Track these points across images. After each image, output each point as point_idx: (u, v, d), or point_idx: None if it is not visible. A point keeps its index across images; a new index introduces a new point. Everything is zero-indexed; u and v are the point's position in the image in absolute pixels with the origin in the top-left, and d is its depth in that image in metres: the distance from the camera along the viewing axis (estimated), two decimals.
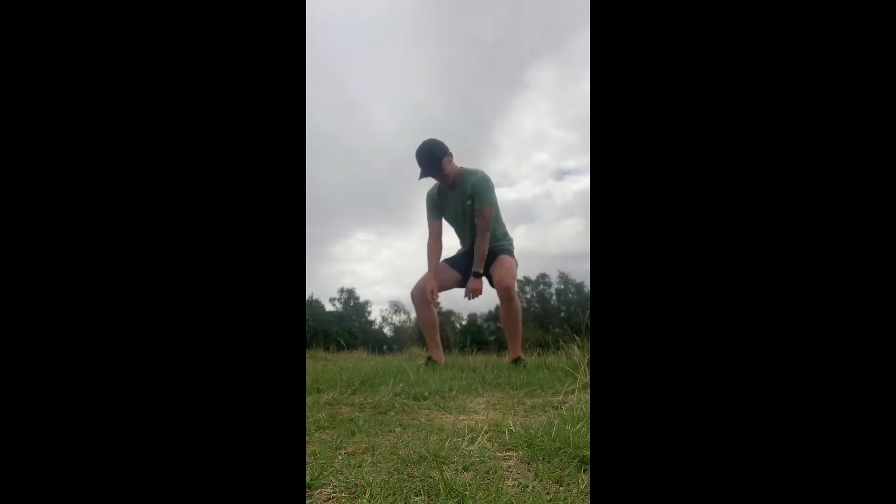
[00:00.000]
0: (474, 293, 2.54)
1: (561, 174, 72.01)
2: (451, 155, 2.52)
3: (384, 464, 0.73)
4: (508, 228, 2.70)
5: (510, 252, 2.61)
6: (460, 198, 2.56)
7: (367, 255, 68.68)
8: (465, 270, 2.64)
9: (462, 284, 2.66)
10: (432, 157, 2.46)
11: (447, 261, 2.70)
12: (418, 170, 2.47)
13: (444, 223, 2.71)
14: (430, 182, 2.65)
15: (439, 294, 2.62)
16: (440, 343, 2.66)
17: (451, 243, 2.85)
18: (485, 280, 2.59)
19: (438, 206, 2.67)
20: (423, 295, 2.59)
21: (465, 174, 2.56)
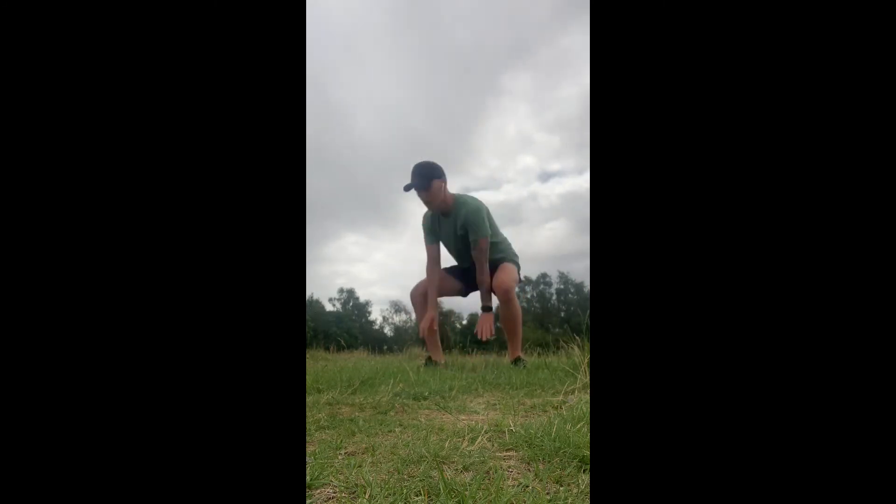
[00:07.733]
0: (483, 330, 2.43)
1: (546, 176, 72.82)
2: (445, 180, 2.45)
3: (384, 464, 0.73)
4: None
5: (512, 260, 2.63)
6: (453, 226, 2.54)
7: (360, 257, 69.41)
8: (464, 281, 2.67)
9: (462, 293, 2.69)
10: (426, 174, 2.41)
11: (447, 269, 2.71)
12: (405, 176, 2.46)
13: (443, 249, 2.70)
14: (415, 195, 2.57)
15: (440, 298, 2.64)
16: (440, 344, 2.70)
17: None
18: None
19: (435, 231, 2.63)
20: (423, 297, 2.61)
21: (456, 203, 2.51)
